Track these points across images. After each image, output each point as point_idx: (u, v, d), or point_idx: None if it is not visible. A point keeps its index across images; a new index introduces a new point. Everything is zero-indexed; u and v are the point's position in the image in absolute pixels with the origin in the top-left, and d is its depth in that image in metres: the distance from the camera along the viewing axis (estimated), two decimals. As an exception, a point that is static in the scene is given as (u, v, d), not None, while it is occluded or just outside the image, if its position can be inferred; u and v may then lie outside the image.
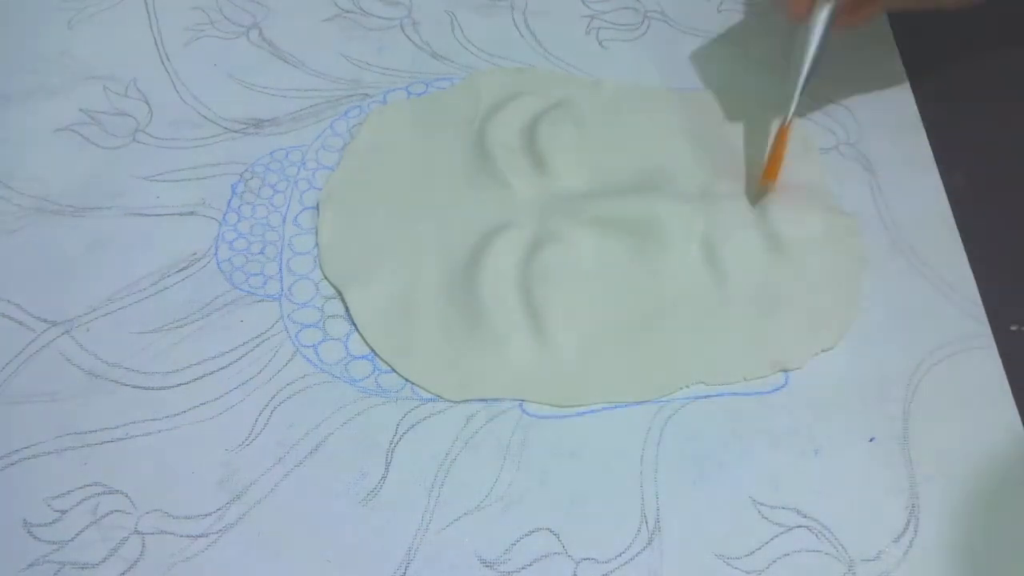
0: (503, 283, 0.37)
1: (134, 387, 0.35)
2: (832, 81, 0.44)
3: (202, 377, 0.35)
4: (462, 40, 0.46)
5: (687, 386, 0.35)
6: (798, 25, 0.38)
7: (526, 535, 0.32)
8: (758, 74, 0.44)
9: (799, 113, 0.41)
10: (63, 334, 0.36)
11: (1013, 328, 0.36)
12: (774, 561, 0.31)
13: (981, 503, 0.32)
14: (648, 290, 0.37)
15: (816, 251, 0.38)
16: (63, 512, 0.32)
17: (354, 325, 0.36)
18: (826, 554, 0.31)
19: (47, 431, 0.33)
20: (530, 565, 0.31)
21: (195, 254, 0.38)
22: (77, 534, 0.31)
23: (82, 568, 0.31)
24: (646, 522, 0.32)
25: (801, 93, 0.38)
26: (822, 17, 0.37)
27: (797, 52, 0.38)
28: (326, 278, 0.38)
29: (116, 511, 0.32)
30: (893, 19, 0.46)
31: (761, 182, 0.39)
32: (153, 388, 0.35)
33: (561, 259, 0.37)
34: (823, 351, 0.36)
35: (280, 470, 0.33)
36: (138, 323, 0.36)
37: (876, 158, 0.41)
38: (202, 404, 0.34)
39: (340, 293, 0.37)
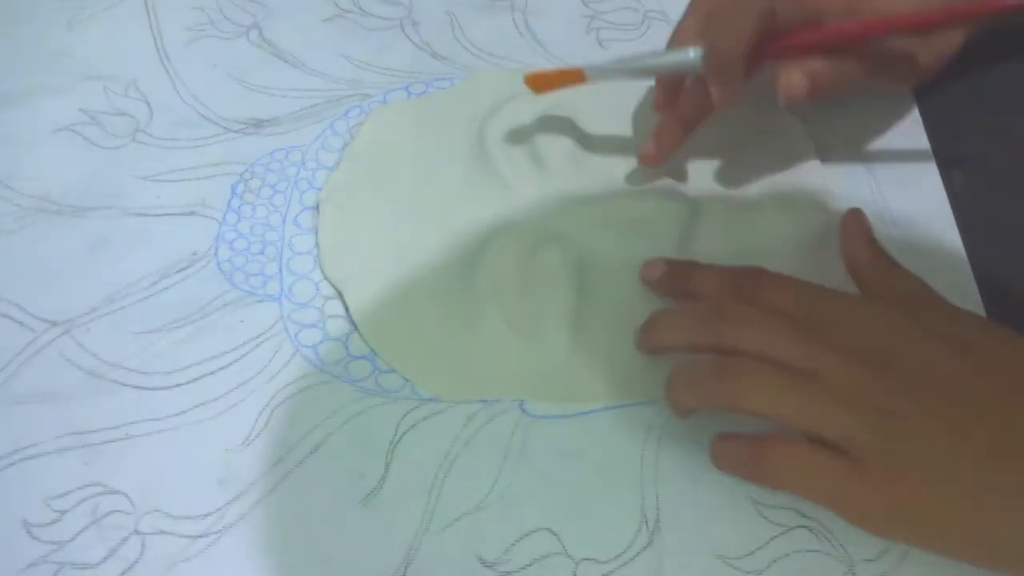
0: (503, 283, 0.36)
1: (134, 387, 0.35)
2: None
3: (202, 377, 0.35)
4: (462, 40, 0.46)
5: (687, 386, 0.35)
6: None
7: (526, 535, 0.32)
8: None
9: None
10: (63, 334, 0.36)
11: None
12: (774, 561, 0.31)
13: (981, 503, 0.32)
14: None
15: (815, 251, 0.38)
16: (63, 512, 0.32)
17: (354, 325, 0.36)
18: (826, 554, 0.31)
19: (47, 431, 0.33)
20: (530, 565, 0.31)
21: (195, 254, 0.38)
22: (77, 534, 0.31)
23: (82, 568, 0.31)
24: (646, 522, 0.32)
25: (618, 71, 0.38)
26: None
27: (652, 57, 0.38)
28: (326, 278, 0.38)
29: (116, 511, 0.32)
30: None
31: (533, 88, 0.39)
32: (153, 388, 0.35)
33: (561, 259, 0.37)
34: (823, 351, 0.36)
35: (280, 470, 0.33)
36: (138, 323, 0.36)
37: (876, 158, 0.41)
38: (202, 404, 0.34)
39: (340, 293, 0.37)
